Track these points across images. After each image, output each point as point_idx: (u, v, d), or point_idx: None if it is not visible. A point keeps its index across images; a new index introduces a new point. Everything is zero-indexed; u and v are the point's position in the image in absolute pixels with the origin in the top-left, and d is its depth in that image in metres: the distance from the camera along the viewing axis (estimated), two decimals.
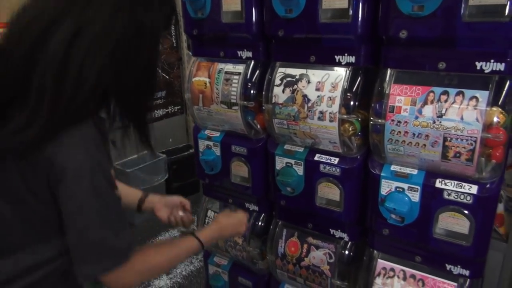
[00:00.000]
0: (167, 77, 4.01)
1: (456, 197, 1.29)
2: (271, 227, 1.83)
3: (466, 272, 1.37)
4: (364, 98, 1.43)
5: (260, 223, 1.90)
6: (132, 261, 0.93)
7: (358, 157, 1.51)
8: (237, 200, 1.93)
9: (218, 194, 2.02)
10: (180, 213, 1.50)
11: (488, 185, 1.26)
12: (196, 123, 1.95)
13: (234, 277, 2.04)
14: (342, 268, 1.64)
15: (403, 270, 1.49)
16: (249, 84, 1.67)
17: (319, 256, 1.68)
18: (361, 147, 1.51)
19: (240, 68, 1.68)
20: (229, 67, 1.71)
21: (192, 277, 2.73)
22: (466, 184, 1.28)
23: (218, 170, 1.88)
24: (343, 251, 1.64)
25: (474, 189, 1.26)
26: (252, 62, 1.67)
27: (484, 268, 1.39)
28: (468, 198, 1.27)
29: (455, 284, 1.40)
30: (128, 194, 1.37)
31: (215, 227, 1.32)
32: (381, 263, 1.54)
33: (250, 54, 1.66)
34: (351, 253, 1.64)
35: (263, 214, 1.90)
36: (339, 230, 1.63)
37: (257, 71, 1.68)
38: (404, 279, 1.49)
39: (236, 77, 1.68)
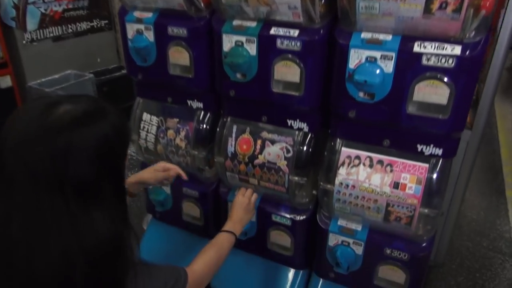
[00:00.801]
0: None
1: (436, 61, 1.10)
2: (219, 125, 1.59)
3: (439, 151, 1.24)
4: None
5: (205, 125, 1.64)
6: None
7: (322, 29, 1.27)
8: (178, 98, 1.64)
9: (153, 93, 1.71)
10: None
11: (472, 45, 1.08)
12: (122, 3, 1.57)
13: (178, 188, 1.80)
14: (300, 163, 1.46)
15: (369, 157, 1.34)
16: None
17: (275, 151, 1.47)
18: (325, 17, 1.27)
19: None
20: None
21: (131, 200, 2.45)
22: (448, 45, 1.09)
23: (152, 60, 1.56)
24: (302, 144, 1.44)
25: (457, 49, 1.08)
26: None
27: (458, 146, 1.27)
28: (450, 61, 1.09)
29: (426, 165, 1.27)
30: None
31: (233, 220, 1.41)
32: (345, 151, 1.37)
33: None
34: (311, 146, 1.45)
35: (208, 114, 1.64)
36: (298, 120, 1.42)
37: None
38: (371, 166, 1.33)
39: None
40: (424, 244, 1.40)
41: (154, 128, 1.70)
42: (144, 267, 0.91)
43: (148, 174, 1.44)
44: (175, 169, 1.44)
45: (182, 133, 1.64)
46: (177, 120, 1.66)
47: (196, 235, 1.89)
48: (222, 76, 1.44)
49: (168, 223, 1.99)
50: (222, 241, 1.32)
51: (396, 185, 1.30)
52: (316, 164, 1.47)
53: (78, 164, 0.74)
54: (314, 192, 1.52)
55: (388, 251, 1.42)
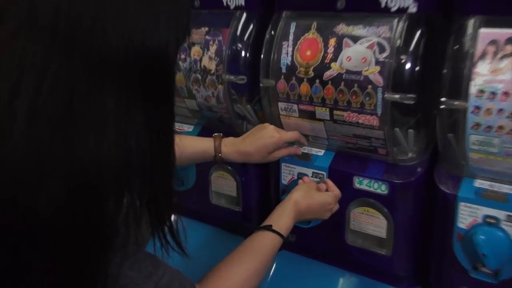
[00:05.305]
0: None
1: None
2: (269, 28, 1.09)
3: None
4: None
5: (246, 34, 1.15)
6: None
7: None
8: None
9: None
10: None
11: None
12: None
13: None
14: (404, 70, 0.91)
15: None
16: None
17: (360, 52, 0.93)
18: None
19: None
20: None
21: None
22: None
23: None
24: (406, 35, 0.90)
25: None
26: None
27: None
28: None
29: None
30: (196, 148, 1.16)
31: (293, 215, 1.01)
32: (487, 33, 0.81)
33: None
34: (422, 38, 0.91)
35: (251, 19, 1.16)
36: None
37: None
38: None
39: None
40: None
41: None
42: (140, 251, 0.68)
43: (258, 155, 1.12)
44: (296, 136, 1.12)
45: (212, 48, 1.17)
46: (206, 29, 1.19)
47: (229, 232, 1.34)
48: None
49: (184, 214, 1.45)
50: (269, 250, 0.92)
51: None
52: (431, 65, 0.92)
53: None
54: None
55: None
